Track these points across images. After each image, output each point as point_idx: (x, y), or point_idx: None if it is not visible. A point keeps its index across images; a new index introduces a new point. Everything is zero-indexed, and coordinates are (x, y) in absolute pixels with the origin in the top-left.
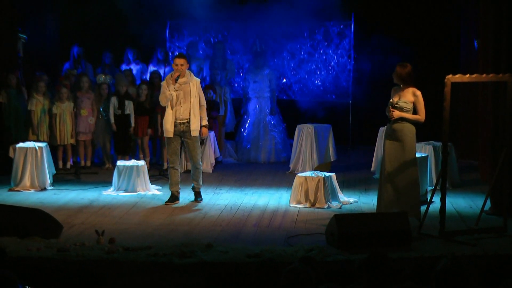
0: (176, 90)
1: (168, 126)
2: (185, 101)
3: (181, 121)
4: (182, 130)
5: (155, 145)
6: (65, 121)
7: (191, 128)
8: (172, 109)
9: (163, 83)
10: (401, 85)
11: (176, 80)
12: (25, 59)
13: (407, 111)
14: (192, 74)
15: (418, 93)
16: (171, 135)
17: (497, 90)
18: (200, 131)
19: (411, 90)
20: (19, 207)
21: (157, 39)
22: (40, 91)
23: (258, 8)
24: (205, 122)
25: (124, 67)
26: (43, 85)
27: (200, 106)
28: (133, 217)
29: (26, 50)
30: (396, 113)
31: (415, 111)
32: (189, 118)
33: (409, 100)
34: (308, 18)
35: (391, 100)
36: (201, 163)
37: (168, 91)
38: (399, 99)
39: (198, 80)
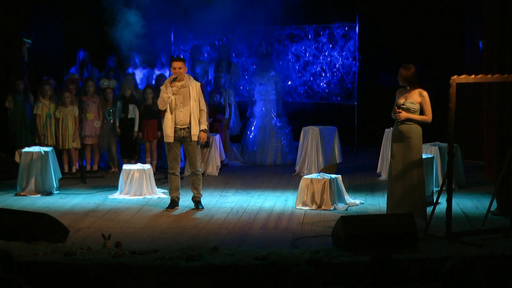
0: (175, 94)
1: (168, 131)
2: (184, 106)
3: (181, 127)
4: (183, 136)
5: (160, 149)
6: (67, 125)
7: (192, 133)
8: (171, 114)
9: (162, 87)
10: (408, 87)
11: (172, 82)
12: (29, 64)
13: (414, 112)
14: (191, 77)
15: (425, 93)
16: (171, 140)
17: (502, 90)
18: (198, 135)
19: (417, 91)
20: (26, 211)
21: (162, 43)
22: (46, 95)
23: (263, 10)
24: (203, 126)
25: (131, 71)
26: (49, 89)
27: (200, 110)
28: (139, 220)
29: (30, 55)
30: (403, 114)
31: (421, 112)
32: (190, 123)
33: (416, 101)
34: (313, 20)
35: (397, 102)
36: (200, 169)
37: (165, 94)
38: (405, 100)
39: (198, 83)
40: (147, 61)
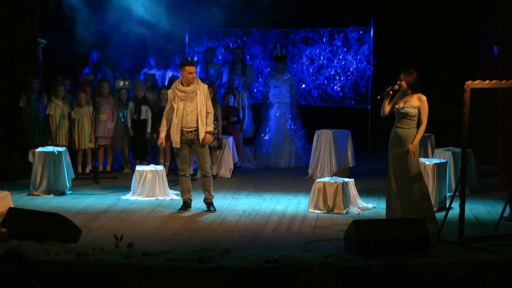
0: (182, 100)
1: (175, 136)
2: (192, 109)
3: (189, 129)
4: (190, 139)
5: (173, 150)
6: (83, 125)
7: (200, 136)
8: (177, 119)
9: (169, 92)
10: (409, 91)
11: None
12: (44, 64)
13: (412, 117)
14: (199, 81)
15: (424, 98)
16: (178, 145)
17: None
18: (203, 137)
19: (416, 95)
20: (38, 211)
21: (176, 45)
22: (60, 95)
23: (277, 13)
24: (209, 128)
25: (146, 71)
26: (63, 90)
27: (207, 113)
28: (151, 222)
29: (45, 55)
30: (412, 148)
31: (419, 116)
32: (197, 126)
33: (414, 105)
34: (328, 24)
35: (396, 106)
36: (210, 171)
37: (169, 105)
38: (404, 104)
39: (206, 86)
40: (162, 63)
